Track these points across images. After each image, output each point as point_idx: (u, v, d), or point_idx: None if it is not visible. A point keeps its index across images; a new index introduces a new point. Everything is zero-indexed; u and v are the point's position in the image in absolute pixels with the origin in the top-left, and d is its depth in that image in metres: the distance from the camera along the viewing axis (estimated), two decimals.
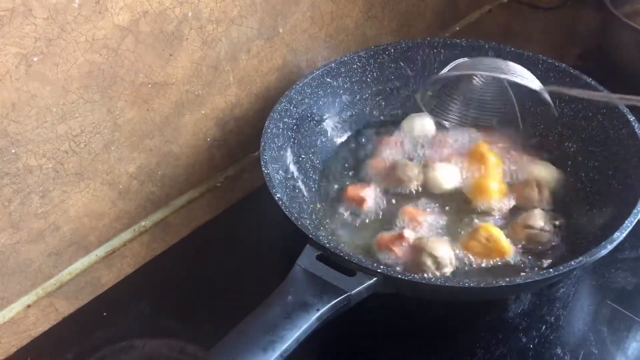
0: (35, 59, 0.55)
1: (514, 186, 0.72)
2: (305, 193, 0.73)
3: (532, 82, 0.70)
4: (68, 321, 0.66)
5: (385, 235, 0.66)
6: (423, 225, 0.67)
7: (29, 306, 0.67)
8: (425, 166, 0.75)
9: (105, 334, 0.63)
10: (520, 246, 0.65)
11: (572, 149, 0.75)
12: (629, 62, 0.89)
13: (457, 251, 0.65)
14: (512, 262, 0.64)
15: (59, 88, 0.58)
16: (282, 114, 0.72)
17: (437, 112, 0.79)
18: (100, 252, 0.71)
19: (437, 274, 0.61)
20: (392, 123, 0.81)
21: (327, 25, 0.83)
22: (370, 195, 0.71)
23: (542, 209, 0.68)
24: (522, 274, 0.63)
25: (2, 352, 0.63)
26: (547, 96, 0.70)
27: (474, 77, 0.77)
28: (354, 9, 0.85)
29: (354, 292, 0.53)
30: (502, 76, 0.70)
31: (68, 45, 0.57)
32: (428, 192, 0.72)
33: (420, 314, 0.63)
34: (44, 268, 0.67)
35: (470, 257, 0.64)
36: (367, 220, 0.70)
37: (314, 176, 0.76)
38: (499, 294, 0.62)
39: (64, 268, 0.69)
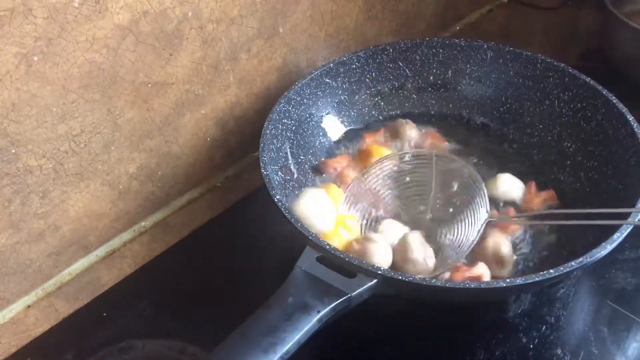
0: (35, 58, 0.55)
1: None
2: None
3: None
4: (68, 321, 0.66)
5: None
6: None
7: (29, 306, 0.66)
8: None
9: (105, 334, 0.63)
10: None
11: (571, 149, 0.75)
12: (629, 62, 0.90)
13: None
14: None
15: (59, 88, 0.58)
16: (281, 115, 0.72)
17: None
18: (100, 252, 0.71)
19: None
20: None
21: (327, 24, 0.83)
22: None
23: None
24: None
25: (2, 352, 0.63)
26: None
27: None
28: (354, 9, 0.85)
29: (354, 293, 0.53)
30: None
31: (68, 44, 0.57)
32: None
33: (421, 315, 0.63)
34: (44, 268, 0.67)
35: None
36: None
37: (313, 177, 0.75)
38: (499, 294, 0.62)
39: (64, 268, 0.69)
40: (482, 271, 0.61)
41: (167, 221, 0.76)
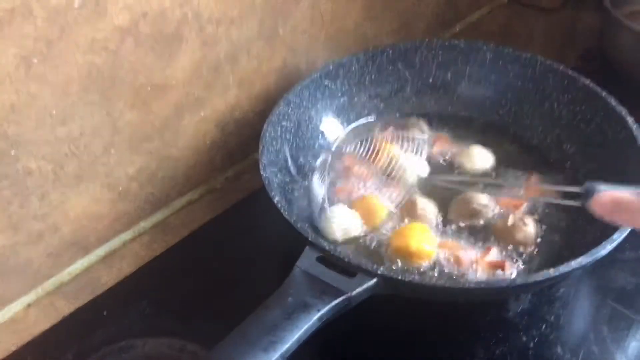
0: (35, 60, 0.55)
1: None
2: (304, 195, 0.73)
3: None
4: (68, 320, 0.66)
5: None
6: None
7: (29, 305, 0.67)
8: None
9: (105, 334, 0.63)
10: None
11: (570, 151, 0.75)
12: (629, 64, 0.90)
13: None
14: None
15: (58, 90, 0.58)
16: (281, 117, 0.72)
17: None
18: (100, 252, 0.71)
19: None
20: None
21: (327, 25, 0.83)
22: None
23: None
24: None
25: (2, 351, 0.63)
26: None
27: None
28: (354, 9, 0.85)
29: (354, 293, 0.53)
30: None
31: (68, 46, 0.57)
32: None
33: (420, 314, 0.63)
34: (44, 268, 0.67)
35: None
36: None
37: (312, 178, 0.75)
38: (499, 294, 0.62)
39: (63, 268, 0.69)
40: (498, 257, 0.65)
41: (166, 222, 0.76)
